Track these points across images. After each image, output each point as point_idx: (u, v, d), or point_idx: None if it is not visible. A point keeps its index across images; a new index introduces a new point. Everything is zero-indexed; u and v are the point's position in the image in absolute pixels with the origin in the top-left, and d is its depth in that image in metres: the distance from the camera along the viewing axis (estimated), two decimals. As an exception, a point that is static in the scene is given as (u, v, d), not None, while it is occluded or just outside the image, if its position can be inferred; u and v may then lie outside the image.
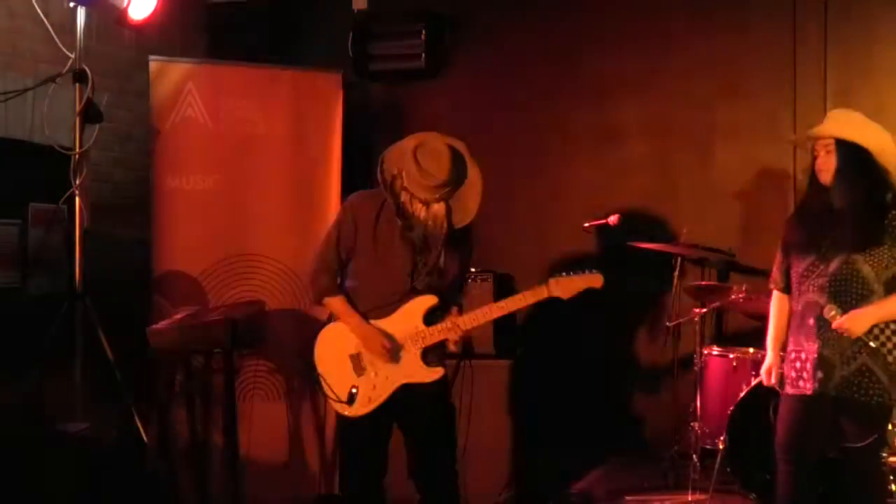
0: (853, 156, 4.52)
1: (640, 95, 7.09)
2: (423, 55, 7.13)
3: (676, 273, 6.16)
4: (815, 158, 4.63)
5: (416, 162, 4.42)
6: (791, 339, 4.71)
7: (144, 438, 5.55)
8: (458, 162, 4.51)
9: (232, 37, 7.48)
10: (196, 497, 5.84)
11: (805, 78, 6.76)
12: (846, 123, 4.65)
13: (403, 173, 4.48)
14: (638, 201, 6.90)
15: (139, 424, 5.49)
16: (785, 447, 4.65)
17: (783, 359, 4.79)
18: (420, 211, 4.50)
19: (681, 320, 6.21)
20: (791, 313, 4.74)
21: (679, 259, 6.16)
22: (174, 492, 5.83)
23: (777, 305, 4.92)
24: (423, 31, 7.11)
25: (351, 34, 7.21)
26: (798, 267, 4.67)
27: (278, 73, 6.67)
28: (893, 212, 4.54)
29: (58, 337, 5.33)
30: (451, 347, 4.76)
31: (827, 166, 4.55)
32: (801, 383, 4.55)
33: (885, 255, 4.48)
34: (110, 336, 5.42)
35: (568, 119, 7.20)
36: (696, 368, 6.12)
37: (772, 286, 4.95)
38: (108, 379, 5.41)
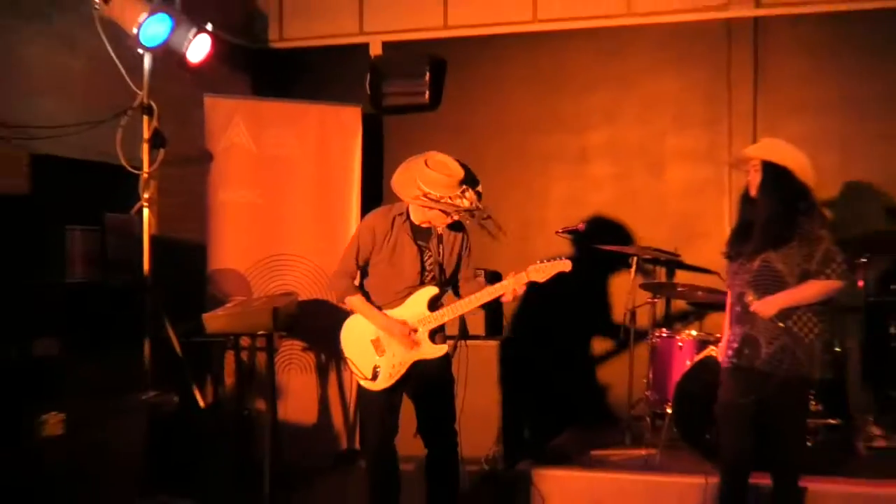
0: (773, 173, 4.62)
1: (606, 125, 7.15)
2: (427, 92, 7.22)
3: (633, 270, 6.23)
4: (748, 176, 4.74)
5: (434, 169, 4.51)
6: (728, 325, 4.81)
7: (201, 404, 5.75)
8: (466, 171, 4.61)
9: (270, 77, 7.56)
10: (242, 452, 5.91)
11: (738, 114, 6.87)
12: (771, 148, 4.75)
13: (423, 184, 4.51)
14: (602, 211, 6.97)
15: (196, 393, 5.68)
16: (722, 409, 4.74)
17: None
18: (433, 213, 4.59)
19: (636, 308, 6.28)
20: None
21: (635, 258, 6.24)
22: (224, 448, 5.91)
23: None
24: (427, 73, 7.21)
25: (368, 75, 7.29)
26: (731, 267, 4.77)
27: (308, 107, 6.78)
28: (804, 217, 4.59)
29: (132, 322, 5.55)
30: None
31: (755, 182, 4.67)
32: (735, 359, 4.65)
33: (796, 254, 4.53)
34: (173, 321, 5.63)
35: (546, 143, 7.25)
36: (648, 347, 6.21)
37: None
38: (171, 356, 5.61)
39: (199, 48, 5.85)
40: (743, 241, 4.75)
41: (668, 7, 7.03)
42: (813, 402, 5.74)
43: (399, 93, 7.30)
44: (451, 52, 7.42)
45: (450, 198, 4.51)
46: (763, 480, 4.80)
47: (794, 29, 6.86)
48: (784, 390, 4.61)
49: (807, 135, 6.60)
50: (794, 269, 4.58)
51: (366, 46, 7.55)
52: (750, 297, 4.56)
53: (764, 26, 6.88)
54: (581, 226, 6.24)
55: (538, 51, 7.33)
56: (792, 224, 4.59)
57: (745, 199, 4.82)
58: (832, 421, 5.89)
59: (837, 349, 6.01)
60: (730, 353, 4.72)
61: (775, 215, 4.61)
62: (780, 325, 4.55)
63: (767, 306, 4.56)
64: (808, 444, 5.56)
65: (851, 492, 5.16)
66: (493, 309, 6.12)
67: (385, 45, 7.53)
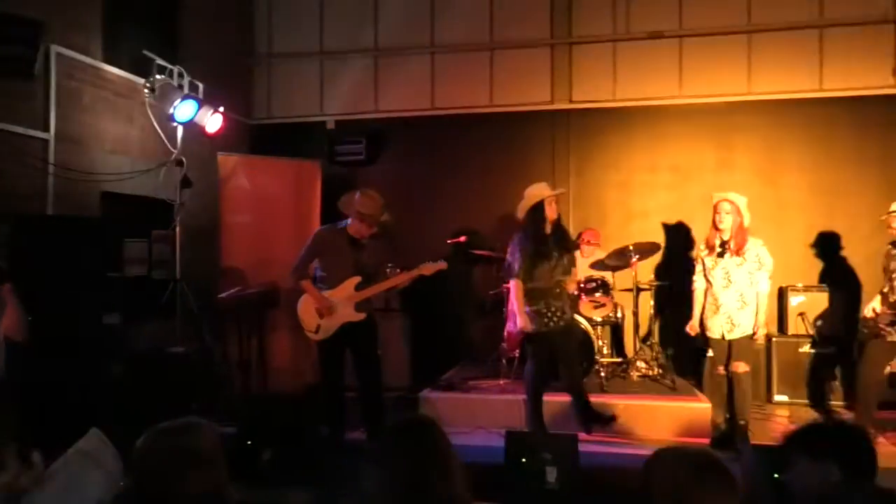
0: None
1: (478, 175, 7.15)
2: (364, 152, 7.23)
3: (495, 267, 6.22)
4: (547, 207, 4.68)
5: (366, 197, 4.61)
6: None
7: (214, 356, 5.83)
8: (380, 202, 4.66)
9: (262, 141, 7.51)
10: (242, 385, 5.93)
11: (559, 170, 6.99)
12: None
13: (357, 206, 4.59)
14: (476, 228, 6.85)
15: (211, 347, 5.73)
16: (545, 358, 4.80)
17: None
18: (363, 225, 4.62)
19: (498, 290, 6.18)
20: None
21: (496, 259, 6.17)
22: (230, 382, 5.95)
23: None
24: (365, 140, 7.24)
25: (326, 141, 7.31)
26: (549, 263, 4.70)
27: (286, 162, 6.86)
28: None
29: (168, 302, 5.57)
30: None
31: (555, 211, 4.71)
32: (550, 323, 4.66)
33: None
34: (196, 301, 5.65)
35: (440, 185, 7.22)
36: (505, 314, 5.91)
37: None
38: (195, 324, 5.62)
39: (214, 123, 5.89)
40: (547, 245, 4.69)
41: (516, 101, 7.15)
42: (605, 348, 5.97)
43: (346, 153, 7.29)
44: (380, 126, 7.38)
45: (373, 216, 4.62)
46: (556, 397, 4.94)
47: (593, 116, 7.02)
48: (576, 336, 4.90)
49: (602, 182, 6.94)
50: (571, 260, 4.82)
51: (324, 123, 7.56)
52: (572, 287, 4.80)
53: (575, 115, 7.05)
54: (464, 238, 6.22)
55: (435, 127, 7.31)
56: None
57: (541, 218, 4.71)
58: (616, 359, 6.18)
59: (619, 315, 6.20)
60: (546, 319, 4.68)
61: (565, 229, 4.86)
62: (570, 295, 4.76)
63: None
64: (602, 373, 5.61)
65: (625, 402, 5.20)
66: (409, 290, 6.07)
67: (337, 122, 7.53)
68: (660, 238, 6.70)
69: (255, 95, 7.79)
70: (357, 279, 4.74)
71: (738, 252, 4.65)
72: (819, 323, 6.06)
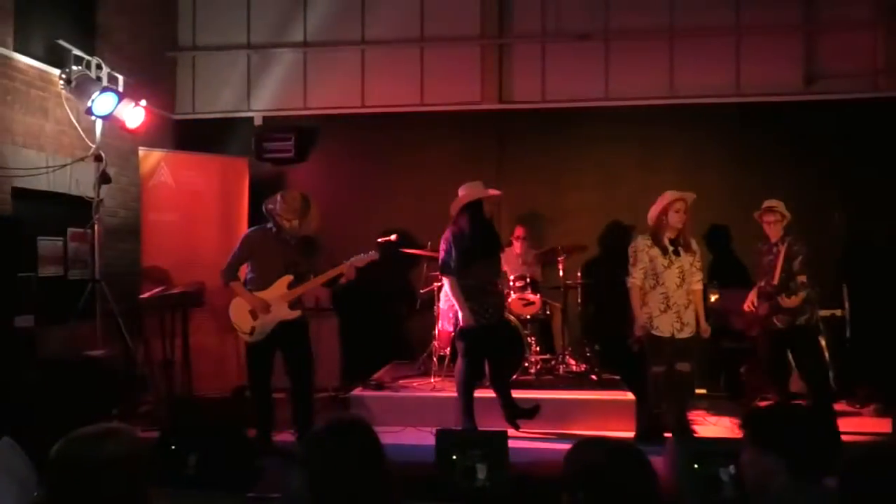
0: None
1: (411, 176, 7.11)
2: (293, 150, 7.13)
3: (425, 265, 6.22)
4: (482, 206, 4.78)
5: (284, 201, 4.62)
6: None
7: (136, 358, 5.63)
8: (305, 200, 4.67)
9: (187, 136, 7.34)
10: (166, 388, 5.76)
11: (488, 169, 6.85)
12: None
13: (277, 207, 4.62)
14: (407, 227, 6.72)
15: (133, 349, 5.54)
16: (476, 354, 4.83)
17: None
18: (286, 225, 4.63)
19: (428, 289, 6.18)
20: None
21: (426, 258, 6.18)
22: (153, 385, 5.79)
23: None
24: (294, 137, 7.12)
25: (253, 137, 7.16)
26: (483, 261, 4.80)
27: (212, 158, 6.75)
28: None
29: (86, 303, 5.36)
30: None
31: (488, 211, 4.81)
32: (482, 319, 4.67)
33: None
34: (116, 302, 5.47)
35: (369, 184, 7.15)
36: (436, 313, 6.03)
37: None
38: (115, 325, 5.43)
39: (135, 117, 5.71)
40: (480, 245, 4.77)
41: (446, 100, 7.17)
42: (533, 343, 5.97)
43: (274, 150, 7.18)
44: (308, 124, 7.30)
45: (280, 216, 4.59)
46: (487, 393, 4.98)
47: (522, 115, 7.11)
48: (506, 333, 4.91)
49: (532, 181, 6.99)
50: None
51: (251, 119, 7.41)
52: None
53: (504, 114, 7.12)
54: (394, 237, 6.05)
55: (364, 125, 7.27)
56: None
57: (477, 219, 4.76)
58: (545, 355, 6.19)
59: (548, 312, 6.29)
60: (478, 316, 4.72)
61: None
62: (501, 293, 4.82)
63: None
64: (532, 370, 5.70)
65: (554, 397, 5.31)
66: (339, 289, 6.02)
67: (265, 118, 7.40)
68: (587, 236, 6.82)
69: (179, 90, 7.59)
70: (289, 278, 4.70)
71: (688, 248, 4.75)
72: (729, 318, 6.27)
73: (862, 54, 6.70)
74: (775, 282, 4.75)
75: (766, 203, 4.92)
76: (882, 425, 4.90)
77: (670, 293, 4.72)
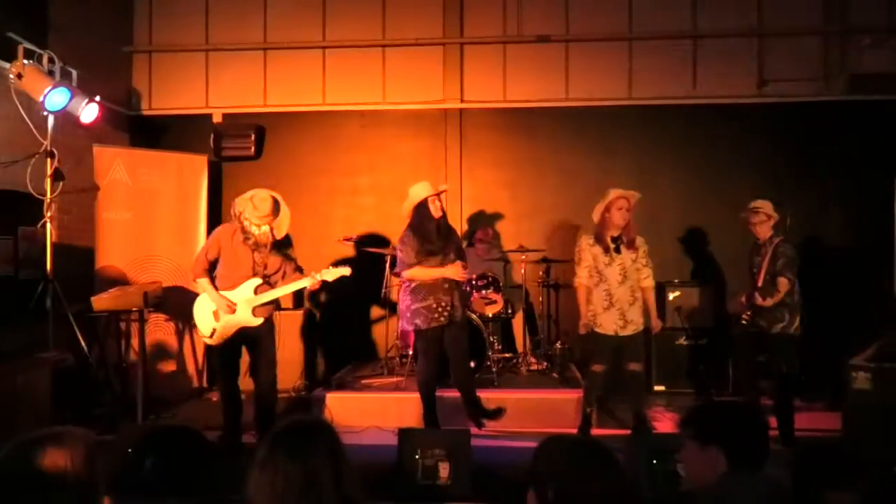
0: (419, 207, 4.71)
1: (370, 173, 7.14)
2: (253, 148, 7.05)
3: (388, 264, 6.16)
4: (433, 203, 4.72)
5: (253, 205, 4.52)
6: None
7: (90, 360, 5.45)
8: (276, 203, 4.60)
9: (143, 133, 7.21)
10: (121, 393, 5.67)
11: (451, 168, 7.02)
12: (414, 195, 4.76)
13: (245, 211, 4.53)
14: (369, 226, 6.93)
15: (87, 352, 5.35)
16: (434, 353, 4.78)
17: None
18: (255, 231, 4.56)
19: (390, 287, 6.19)
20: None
21: (389, 256, 6.11)
22: (108, 390, 5.65)
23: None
24: (253, 135, 7.04)
25: (212, 135, 7.06)
26: (435, 260, 4.74)
27: (169, 155, 6.60)
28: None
29: (38, 303, 5.16)
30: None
31: (438, 208, 4.69)
32: (442, 318, 4.72)
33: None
34: (69, 303, 5.28)
35: (330, 184, 7.14)
36: (398, 313, 5.80)
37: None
38: (68, 327, 5.25)
39: (89, 113, 5.49)
40: (433, 243, 4.74)
41: (408, 99, 7.15)
42: (497, 344, 6.03)
43: (233, 147, 7.08)
44: (268, 121, 7.23)
45: (251, 221, 4.53)
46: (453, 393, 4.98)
47: (484, 116, 7.12)
48: (467, 333, 4.83)
49: (492, 181, 7.01)
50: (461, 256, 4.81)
51: (210, 116, 7.28)
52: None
53: (466, 114, 7.12)
54: (355, 236, 6.14)
55: (324, 123, 7.22)
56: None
57: (427, 216, 4.74)
58: (506, 354, 6.25)
59: (510, 311, 6.32)
60: (437, 315, 4.70)
61: (450, 225, 4.84)
62: (463, 294, 4.76)
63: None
64: (493, 369, 5.66)
65: (516, 396, 5.33)
66: (301, 290, 5.98)
67: (224, 115, 7.28)
68: (549, 236, 6.88)
69: (136, 86, 7.42)
70: (257, 281, 4.66)
71: (631, 246, 4.75)
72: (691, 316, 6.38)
73: (811, 59, 6.85)
74: (760, 283, 4.77)
75: (752, 204, 4.91)
76: (832, 420, 4.99)
77: (612, 290, 4.74)
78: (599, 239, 4.79)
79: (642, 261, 4.79)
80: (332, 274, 4.67)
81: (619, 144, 6.99)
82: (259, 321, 4.65)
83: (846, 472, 1.92)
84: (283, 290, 4.69)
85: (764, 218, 4.83)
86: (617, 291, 4.74)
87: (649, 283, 4.83)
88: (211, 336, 4.65)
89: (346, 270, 4.68)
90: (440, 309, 4.74)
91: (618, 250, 4.75)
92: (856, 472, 1.90)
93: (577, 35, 7.04)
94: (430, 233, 4.74)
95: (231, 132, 7.11)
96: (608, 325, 4.76)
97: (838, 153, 6.69)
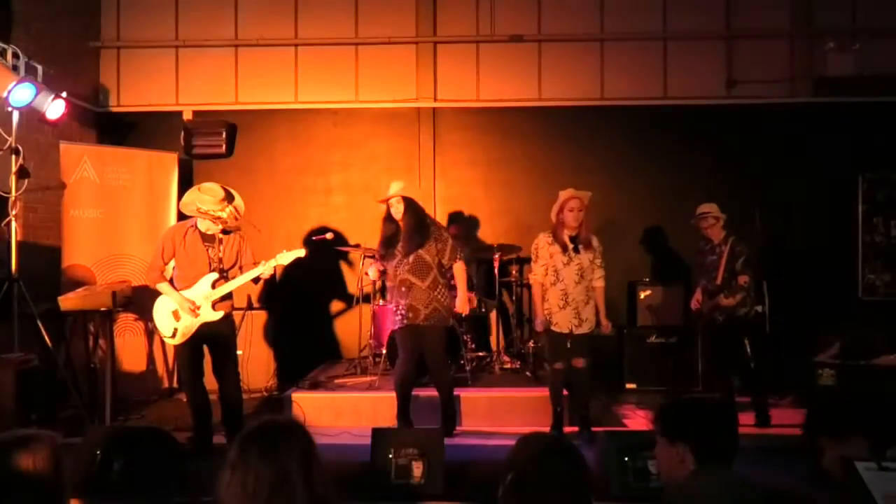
0: (409, 202, 4.78)
1: (342, 171, 7.11)
2: (224, 145, 6.99)
3: (361, 262, 6.11)
4: (390, 208, 4.80)
5: (203, 193, 4.52)
6: (396, 298, 4.81)
7: (57, 361, 5.34)
8: (225, 190, 4.57)
9: (111, 130, 7.10)
10: (89, 394, 5.57)
11: (424, 167, 7.03)
12: (402, 188, 4.82)
13: (202, 205, 4.48)
14: (341, 224, 6.88)
15: (53, 352, 5.24)
16: (400, 354, 4.87)
17: None
18: (224, 215, 4.50)
19: (364, 285, 6.17)
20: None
21: (363, 255, 6.14)
22: (75, 391, 5.43)
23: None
24: (224, 132, 6.98)
25: (182, 133, 6.98)
26: (392, 262, 4.80)
27: (138, 153, 6.51)
28: (433, 227, 4.81)
29: (3, 303, 5.03)
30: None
31: (399, 209, 4.77)
32: (404, 320, 4.76)
33: (433, 249, 4.70)
34: (35, 303, 5.16)
35: (303, 182, 7.11)
36: (371, 311, 6.14)
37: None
38: (34, 327, 5.12)
39: (56, 109, 5.35)
40: (393, 246, 4.79)
41: (381, 97, 7.13)
42: (470, 342, 6.02)
43: (204, 145, 7.00)
44: (240, 119, 7.17)
45: (212, 210, 4.49)
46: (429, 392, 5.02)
47: (457, 115, 7.14)
48: (435, 336, 4.79)
49: (466, 180, 7.03)
50: (434, 259, 4.77)
51: (180, 113, 7.18)
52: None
53: (439, 113, 7.13)
54: (329, 235, 5.99)
55: (297, 121, 7.18)
56: (427, 231, 4.76)
57: (389, 219, 4.83)
58: (481, 353, 6.25)
59: (483, 309, 6.39)
60: (399, 316, 4.80)
61: (417, 226, 4.76)
62: (431, 294, 4.70)
63: (463, 302, 4.86)
64: (467, 367, 5.69)
65: (490, 395, 5.39)
66: (266, 288, 5.97)
67: (194, 112, 7.19)
68: (521, 235, 6.88)
69: (104, 82, 7.30)
70: (213, 276, 4.62)
71: (587, 245, 4.80)
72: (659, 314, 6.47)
73: (779, 61, 6.98)
74: (719, 281, 4.93)
75: (699, 210, 5.10)
76: (798, 416, 5.07)
77: (569, 290, 4.77)
78: (557, 238, 4.83)
79: (598, 261, 4.84)
80: (286, 257, 4.64)
81: (591, 144, 7.04)
82: (219, 315, 4.62)
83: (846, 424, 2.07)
84: (240, 280, 4.64)
85: (713, 221, 5.04)
86: (573, 291, 4.78)
87: (601, 283, 4.85)
88: (173, 336, 4.62)
89: (300, 252, 4.65)
90: (398, 311, 4.83)
91: (577, 250, 4.79)
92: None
93: (550, 35, 7.09)
94: (388, 237, 4.88)
95: (202, 129, 7.03)
96: (563, 323, 4.79)
97: (804, 154, 6.82)
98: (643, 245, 6.92)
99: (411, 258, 4.77)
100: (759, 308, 5.08)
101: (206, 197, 4.51)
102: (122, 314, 6.00)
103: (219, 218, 4.53)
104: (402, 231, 4.79)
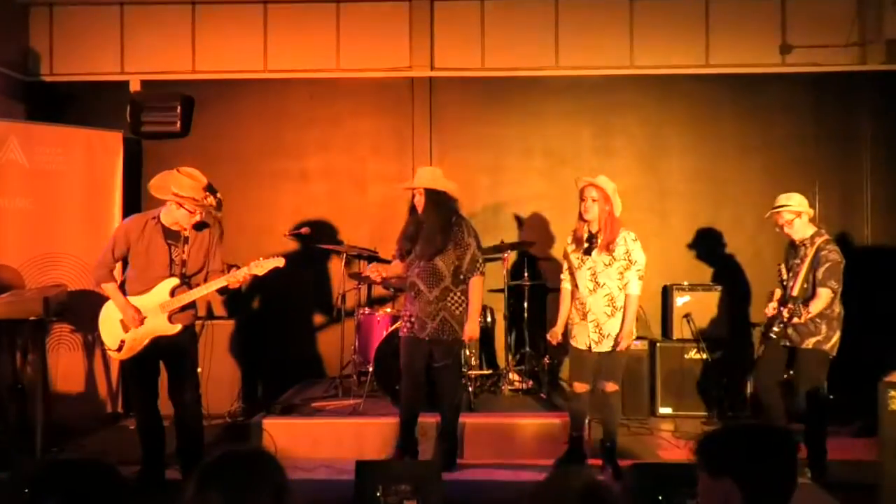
0: (434, 196, 4.82)
1: (321, 153, 7.13)
2: (178, 122, 6.97)
3: (343, 262, 6.26)
4: (413, 198, 4.90)
5: (184, 175, 4.48)
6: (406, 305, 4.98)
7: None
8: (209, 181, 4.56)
9: (43, 104, 7.08)
10: (17, 420, 5.48)
11: (419, 148, 7.04)
12: (430, 178, 4.88)
13: (174, 187, 4.42)
14: (321, 217, 6.94)
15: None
16: (404, 367, 4.94)
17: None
18: (206, 205, 4.48)
19: (346, 292, 6.27)
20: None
21: (344, 255, 6.25)
22: (1, 417, 5.51)
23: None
24: (179, 107, 6.96)
25: (128, 107, 6.93)
26: (405, 263, 5.01)
27: (76, 131, 6.51)
28: (456, 229, 4.81)
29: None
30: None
31: (420, 203, 4.83)
32: (410, 331, 4.86)
33: (451, 256, 4.76)
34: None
35: (274, 166, 7.12)
36: (355, 322, 6.20)
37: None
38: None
39: (-25, 78, 5.44)
40: (412, 246, 4.89)
41: (367, 65, 7.14)
42: (473, 359, 6.01)
43: (155, 122, 6.97)
44: (198, 91, 7.15)
45: (195, 198, 4.45)
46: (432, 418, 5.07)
47: (458, 86, 7.14)
48: (445, 351, 4.84)
49: (468, 164, 7.02)
50: (450, 267, 4.81)
51: (126, 83, 7.16)
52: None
53: (437, 84, 7.13)
54: (306, 230, 6.05)
55: (267, 93, 7.20)
56: (448, 235, 4.79)
57: (413, 211, 4.95)
58: (486, 371, 6.31)
59: (489, 319, 6.40)
60: (408, 324, 4.91)
61: (436, 229, 4.79)
62: (439, 304, 4.76)
63: (474, 327, 4.88)
64: (470, 388, 5.73)
65: (496, 421, 5.40)
66: (232, 296, 5.93)
67: (143, 82, 7.18)
68: (533, 230, 6.93)
69: (34, 46, 7.30)
70: (174, 282, 4.58)
71: (607, 248, 4.69)
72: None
73: (843, 23, 6.97)
74: (794, 292, 4.71)
75: (776, 202, 4.92)
76: (864, 448, 5.08)
77: (584, 299, 4.76)
78: (575, 236, 4.85)
79: (623, 263, 4.71)
80: (262, 267, 4.57)
81: (618, 121, 7.05)
82: (177, 328, 4.59)
83: None
84: (204, 290, 4.59)
85: (791, 216, 4.83)
86: (589, 300, 4.75)
87: (631, 290, 4.74)
88: (119, 349, 4.59)
89: (279, 262, 4.60)
90: (406, 316, 4.97)
91: (588, 252, 4.74)
92: None
93: (572, -12, 7.07)
94: (403, 235, 5.03)
95: (152, 103, 7.04)
96: (581, 338, 4.80)
97: (876, 130, 6.82)
98: (680, 242, 6.93)
99: (422, 262, 4.87)
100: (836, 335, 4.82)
101: (185, 180, 4.46)
102: (56, 324, 6.00)
103: (201, 206, 4.48)
104: (421, 230, 4.87)
